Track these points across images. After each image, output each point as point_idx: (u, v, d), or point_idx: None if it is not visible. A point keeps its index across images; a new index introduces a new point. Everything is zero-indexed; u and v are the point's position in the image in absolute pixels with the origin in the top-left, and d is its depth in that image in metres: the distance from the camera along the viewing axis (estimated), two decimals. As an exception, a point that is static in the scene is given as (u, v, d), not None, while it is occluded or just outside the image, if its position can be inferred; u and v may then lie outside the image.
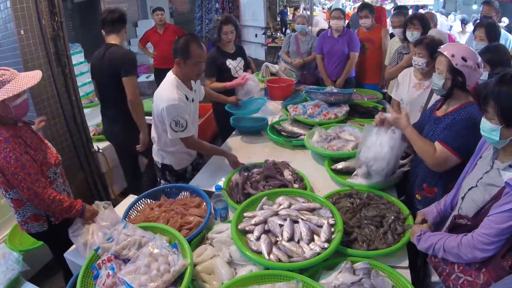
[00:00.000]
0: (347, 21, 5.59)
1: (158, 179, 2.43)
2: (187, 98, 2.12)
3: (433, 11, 8.51)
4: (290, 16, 9.47)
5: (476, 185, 1.31)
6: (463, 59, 1.59)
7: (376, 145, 1.78)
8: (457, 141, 1.60)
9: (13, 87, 1.55)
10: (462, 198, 1.39)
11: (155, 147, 2.33)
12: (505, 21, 6.66)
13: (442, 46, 1.70)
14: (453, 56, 1.61)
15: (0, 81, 1.54)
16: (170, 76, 2.11)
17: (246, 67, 3.23)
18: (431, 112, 1.84)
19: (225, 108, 2.88)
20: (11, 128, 1.65)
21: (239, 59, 3.13)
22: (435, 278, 1.45)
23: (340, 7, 9.44)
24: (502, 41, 3.35)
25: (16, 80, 1.58)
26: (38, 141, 1.76)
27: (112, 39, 2.64)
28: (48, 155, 1.77)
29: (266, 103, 3.22)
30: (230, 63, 3.06)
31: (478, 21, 3.53)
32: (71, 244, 1.75)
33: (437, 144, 1.66)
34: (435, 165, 1.67)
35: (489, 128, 1.23)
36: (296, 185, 1.93)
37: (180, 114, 2.02)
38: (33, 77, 1.63)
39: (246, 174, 1.99)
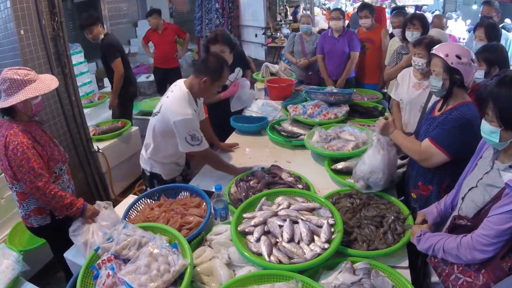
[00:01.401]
0: (347, 21, 5.58)
1: (145, 186, 2.37)
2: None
3: (427, 11, 8.51)
4: (289, 17, 9.46)
5: (476, 186, 1.31)
6: (458, 57, 1.61)
7: (370, 158, 1.82)
8: (445, 138, 1.62)
9: (41, 86, 1.68)
10: (462, 198, 1.39)
11: (144, 155, 2.23)
12: (507, 22, 6.66)
13: (434, 48, 1.70)
14: (447, 55, 1.62)
15: (27, 79, 1.65)
16: (183, 90, 2.03)
17: (245, 68, 3.11)
18: (430, 113, 1.85)
19: (230, 124, 2.82)
20: (22, 123, 1.73)
21: (237, 69, 2.98)
22: (435, 278, 1.45)
23: (340, 7, 9.44)
24: (502, 41, 3.35)
25: (40, 80, 1.70)
26: (47, 139, 1.84)
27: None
28: (56, 152, 1.84)
29: (266, 103, 3.23)
30: (227, 79, 2.93)
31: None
32: (72, 243, 1.75)
33: (425, 140, 1.69)
34: (421, 161, 1.72)
35: (488, 130, 1.23)
36: (300, 186, 1.93)
37: (195, 128, 1.99)
38: (52, 78, 1.76)
39: (246, 186, 1.95)
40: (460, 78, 1.62)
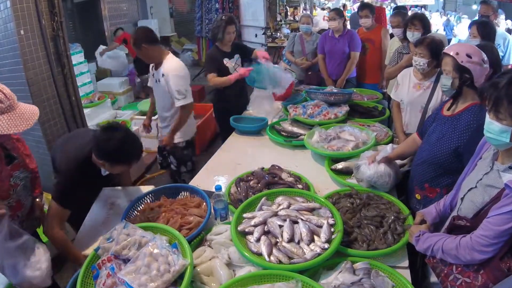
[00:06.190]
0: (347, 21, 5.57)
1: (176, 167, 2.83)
2: (153, 76, 2.67)
3: (428, 11, 8.42)
4: (289, 16, 9.47)
5: (476, 186, 1.31)
6: (468, 55, 1.62)
7: (376, 166, 1.88)
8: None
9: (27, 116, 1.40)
10: (462, 199, 1.39)
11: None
12: (508, 23, 6.66)
13: (446, 47, 1.73)
14: (457, 54, 1.63)
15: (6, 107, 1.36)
16: None
17: (249, 55, 3.22)
18: (438, 112, 1.86)
19: (230, 124, 2.87)
20: None
21: (236, 56, 3.15)
22: (433, 279, 1.45)
23: (340, 6, 9.44)
24: (501, 41, 3.36)
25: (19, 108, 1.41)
26: None
27: None
28: None
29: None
30: (226, 62, 3.09)
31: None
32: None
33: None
34: None
35: (498, 130, 1.17)
36: (300, 186, 1.93)
37: None
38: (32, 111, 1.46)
39: (246, 186, 1.95)
40: (470, 77, 1.63)
